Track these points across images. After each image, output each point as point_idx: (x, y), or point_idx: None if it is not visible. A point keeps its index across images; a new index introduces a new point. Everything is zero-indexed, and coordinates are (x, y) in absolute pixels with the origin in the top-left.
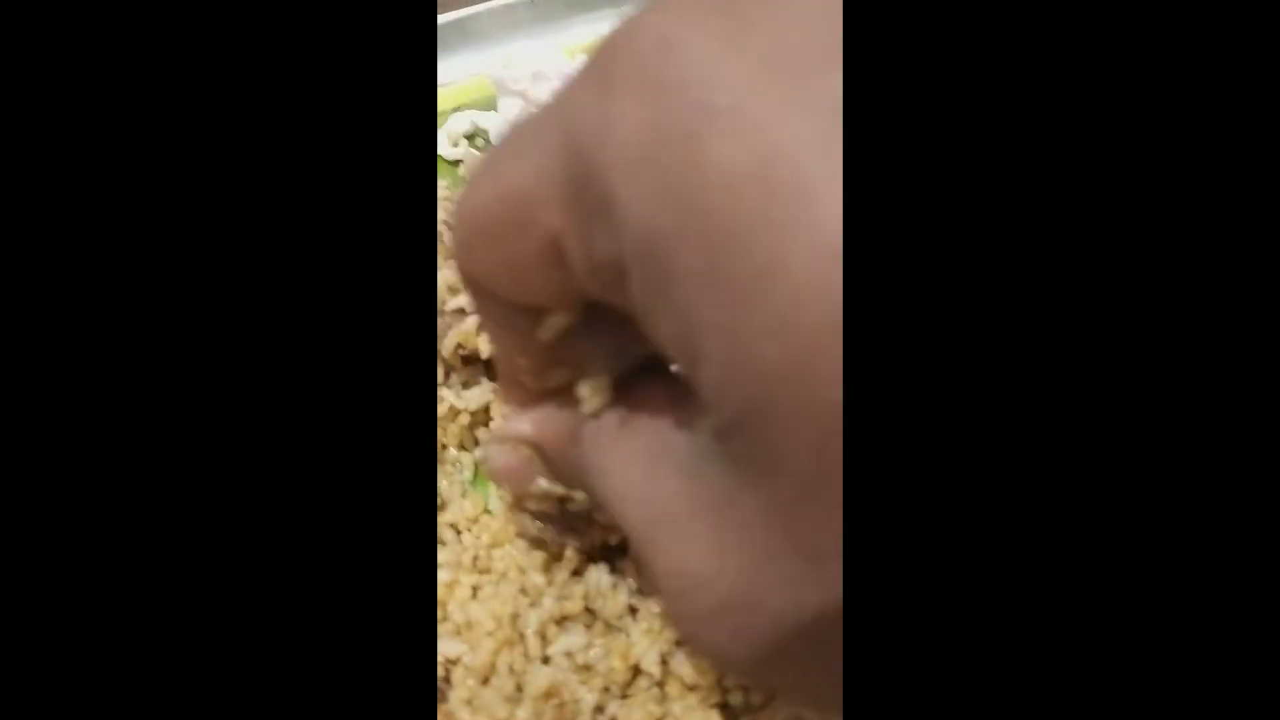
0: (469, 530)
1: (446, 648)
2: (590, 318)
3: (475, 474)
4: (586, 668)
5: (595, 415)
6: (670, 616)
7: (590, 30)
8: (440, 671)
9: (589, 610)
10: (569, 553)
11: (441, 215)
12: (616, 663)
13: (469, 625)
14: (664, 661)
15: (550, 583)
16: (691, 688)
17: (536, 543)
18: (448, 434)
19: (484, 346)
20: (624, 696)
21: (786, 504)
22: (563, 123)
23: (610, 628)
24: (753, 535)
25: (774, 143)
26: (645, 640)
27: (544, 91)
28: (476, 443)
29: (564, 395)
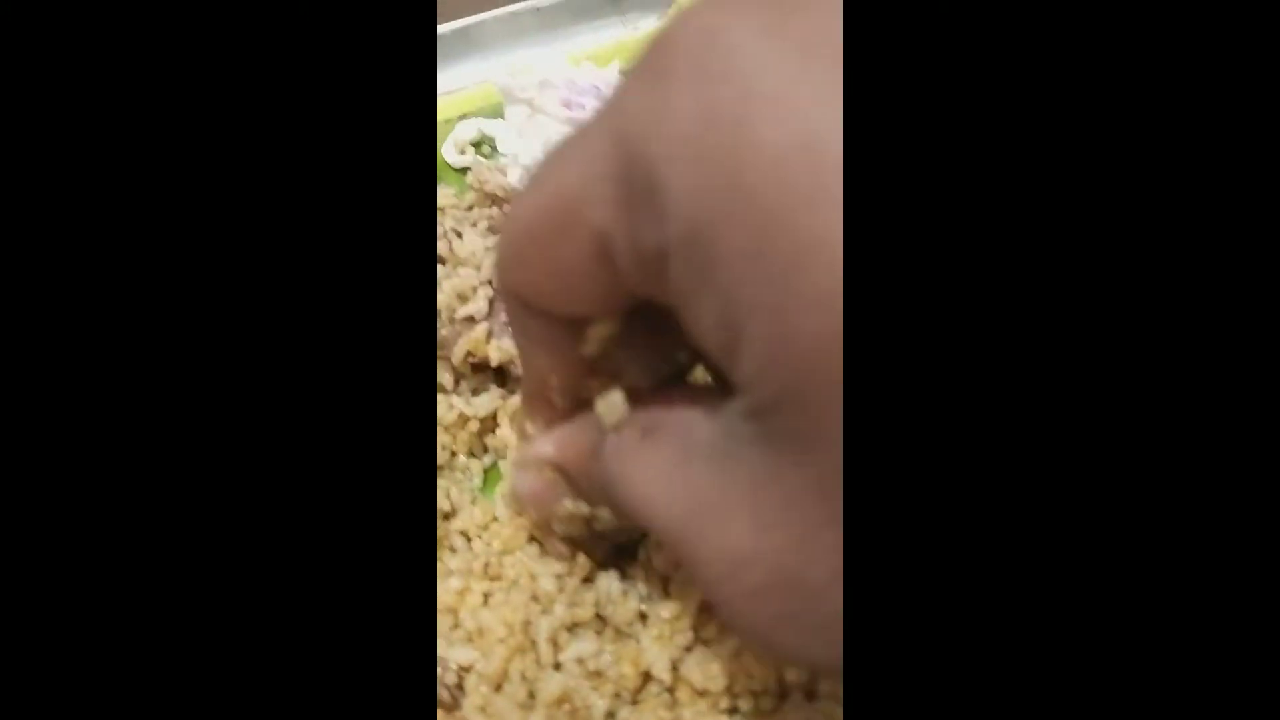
0: (479, 537)
1: (459, 655)
2: (627, 330)
3: (485, 480)
4: (598, 674)
5: (616, 429)
6: (716, 603)
7: (594, 38)
8: (453, 679)
9: (599, 617)
10: (580, 560)
11: (450, 224)
12: (627, 669)
13: (480, 632)
14: (674, 667)
15: (561, 589)
16: (702, 693)
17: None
18: (457, 441)
19: (493, 354)
20: (635, 702)
21: (831, 475)
22: (614, 121)
23: (621, 634)
24: (795, 511)
25: (814, 126)
26: (656, 646)
27: (551, 99)
28: (485, 449)
29: (585, 412)
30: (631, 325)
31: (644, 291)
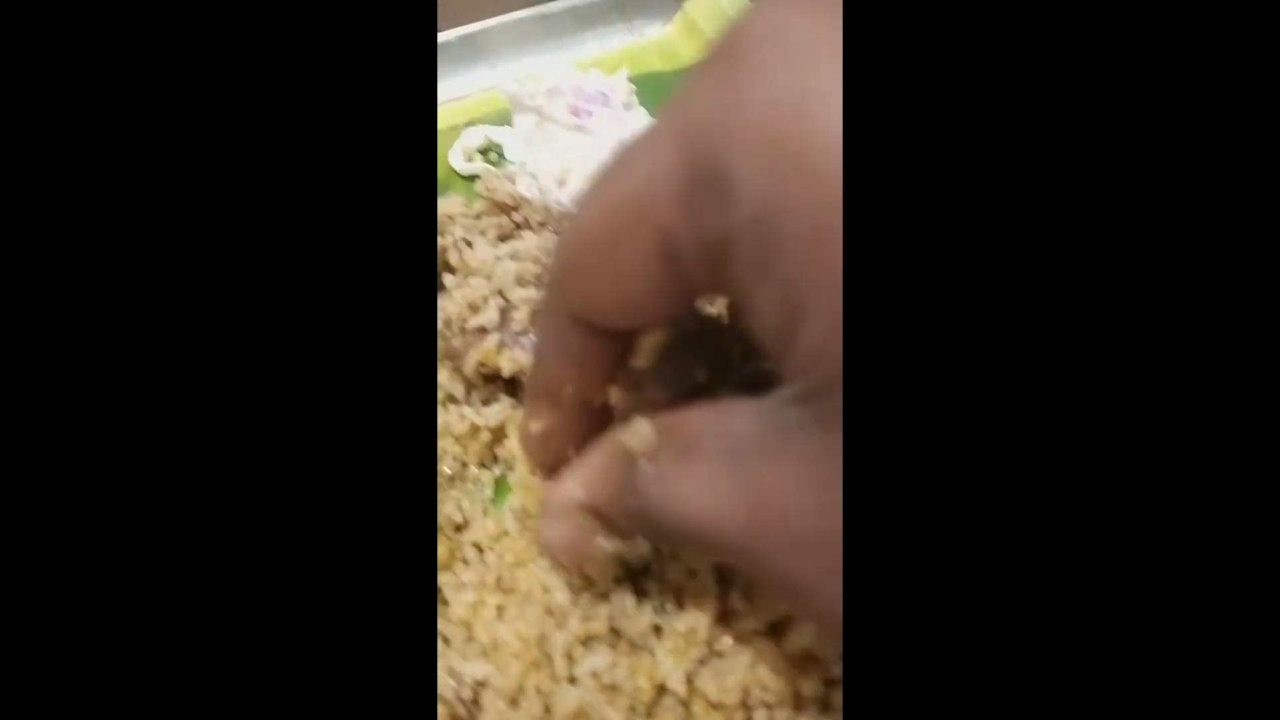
0: (491, 549)
1: (474, 669)
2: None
3: (496, 491)
4: (613, 688)
5: (647, 456)
6: (792, 594)
7: (600, 44)
8: (468, 694)
9: (614, 630)
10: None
11: (459, 232)
12: (643, 682)
13: (495, 646)
14: (689, 681)
15: (575, 603)
16: (717, 706)
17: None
18: (468, 452)
19: (505, 364)
20: (650, 716)
21: None
22: (681, 118)
23: (635, 647)
24: None
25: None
26: (671, 660)
27: (559, 107)
28: (496, 460)
29: (600, 439)
30: (673, 345)
31: (705, 287)
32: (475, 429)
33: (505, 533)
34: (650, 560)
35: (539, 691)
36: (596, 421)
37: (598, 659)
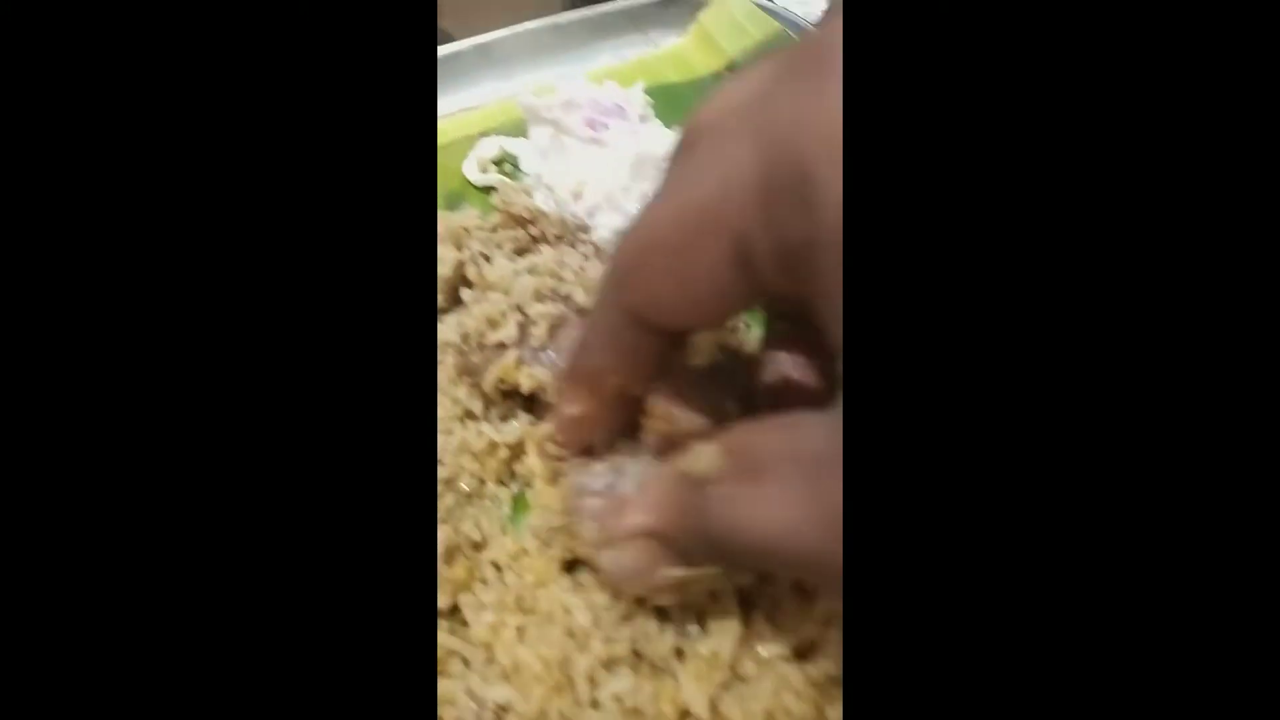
0: (511, 569)
1: (495, 693)
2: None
3: (514, 509)
4: (636, 712)
5: (713, 478)
6: None
7: (614, 55)
8: (490, 718)
9: (636, 653)
10: (615, 594)
11: (477, 246)
12: (666, 707)
13: (517, 669)
14: (713, 706)
15: (597, 624)
16: None
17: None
18: (486, 469)
19: (524, 380)
20: None
21: None
22: (758, 127)
23: (658, 670)
24: None
25: None
26: (694, 684)
27: (575, 120)
28: (514, 476)
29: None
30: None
31: (782, 290)
32: (493, 446)
33: (525, 551)
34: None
35: (561, 716)
36: (629, 412)
37: (620, 682)
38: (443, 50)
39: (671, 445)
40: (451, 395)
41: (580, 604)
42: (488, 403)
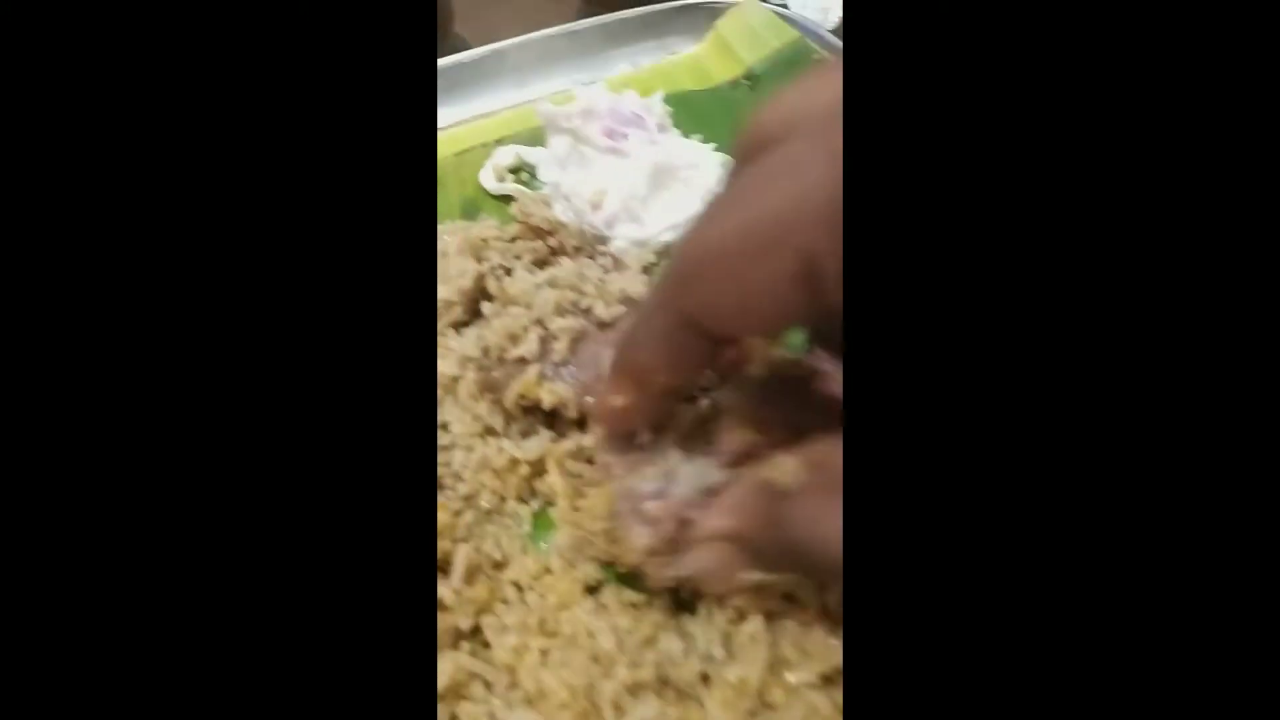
0: (532, 589)
1: (519, 719)
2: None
3: (535, 527)
4: None
5: (794, 489)
6: None
7: (630, 62)
8: None
9: (661, 678)
10: (639, 617)
11: (496, 258)
12: None
13: (541, 694)
14: None
15: (621, 648)
16: None
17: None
18: (507, 486)
19: (545, 397)
20: None
21: None
22: (835, 143)
23: (684, 696)
24: None
25: None
26: (721, 711)
27: (594, 130)
28: (534, 494)
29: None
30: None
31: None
32: (514, 462)
33: (547, 570)
34: (695, 601)
35: None
36: (673, 407)
37: (646, 709)
38: (458, 57)
39: (744, 454)
40: (472, 411)
41: (604, 627)
42: (508, 418)
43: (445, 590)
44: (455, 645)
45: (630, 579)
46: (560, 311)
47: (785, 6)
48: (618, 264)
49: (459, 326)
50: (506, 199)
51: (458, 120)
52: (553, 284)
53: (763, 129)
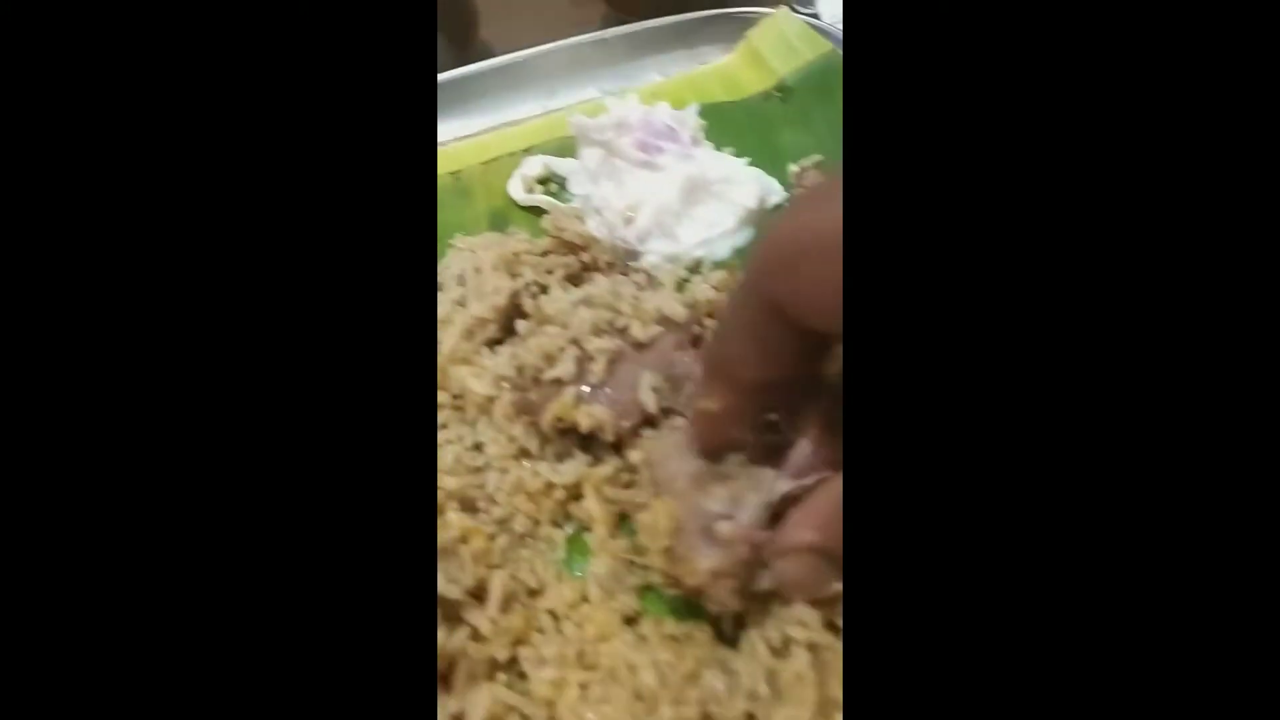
0: (568, 618)
1: None
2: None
3: (568, 552)
4: None
5: None
6: None
7: (660, 72)
8: None
9: (706, 716)
10: (681, 651)
11: (529, 274)
12: None
13: None
14: None
15: (664, 684)
16: None
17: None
18: (541, 510)
19: (583, 419)
20: None
21: None
22: None
23: None
24: None
25: None
26: None
27: (627, 142)
28: (568, 518)
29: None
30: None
31: None
32: (549, 486)
33: (584, 599)
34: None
35: None
36: (763, 409)
37: None
38: (485, 64)
39: (817, 463)
40: (508, 433)
41: (645, 661)
42: (543, 441)
43: (481, 619)
44: (491, 676)
45: (674, 605)
46: (596, 331)
47: (817, 17)
48: (651, 281)
49: (493, 344)
50: (535, 210)
51: (485, 128)
52: (588, 303)
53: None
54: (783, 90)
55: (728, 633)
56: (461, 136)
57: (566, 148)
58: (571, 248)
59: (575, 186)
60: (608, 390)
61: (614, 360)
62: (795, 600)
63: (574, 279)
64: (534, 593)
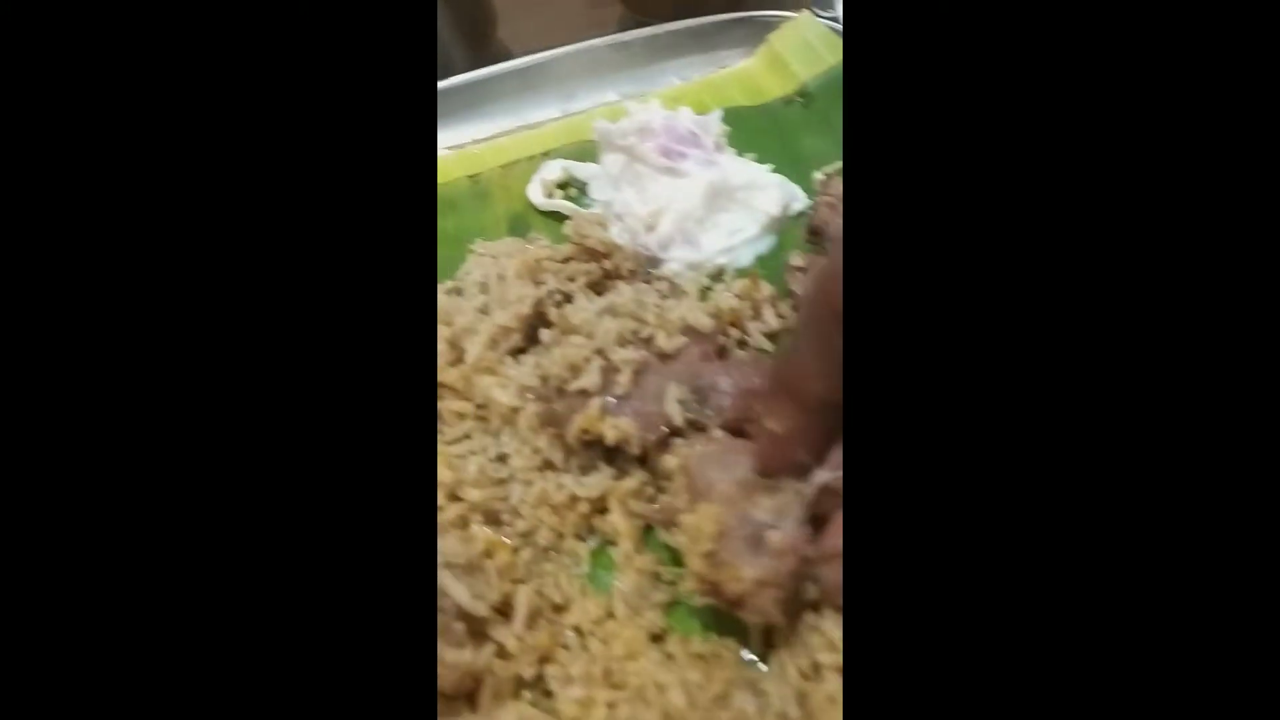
0: (594, 635)
1: None
2: None
3: (593, 566)
4: None
5: None
6: None
7: (679, 75)
8: None
9: None
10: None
11: (552, 282)
12: None
13: None
14: None
15: (693, 705)
16: None
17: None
18: (565, 523)
19: (609, 432)
20: None
21: None
22: None
23: None
24: None
25: None
26: None
27: (650, 148)
28: (592, 531)
29: None
30: None
31: None
32: (573, 499)
33: (609, 615)
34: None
35: None
36: (830, 434)
37: None
38: (502, 66)
39: None
40: (532, 444)
41: (674, 681)
42: (568, 453)
43: (508, 636)
44: (517, 695)
45: (702, 621)
46: (622, 341)
47: (839, 21)
48: (674, 289)
49: (516, 353)
50: (554, 215)
51: (502, 131)
52: (613, 312)
53: None
54: (804, 95)
55: (756, 651)
56: (479, 139)
57: (586, 152)
58: (594, 254)
59: (596, 192)
60: (633, 402)
61: (639, 371)
62: (839, 607)
63: (596, 286)
64: (559, 608)
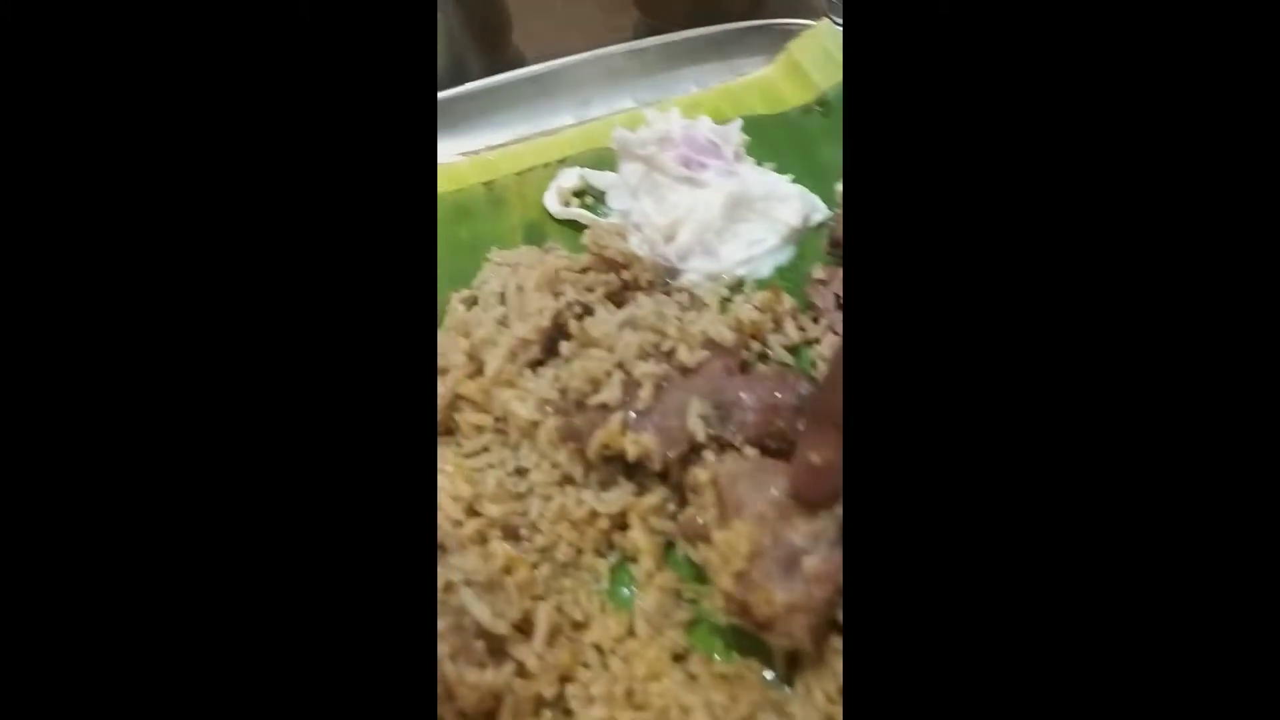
0: (614, 653)
1: None
2: None
3: (612, 582)
4: None
5: None
6: None
7: (696, 82)
8: None
9: None
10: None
11: (570, 294)
12: None
13: None
14: None
15: None
16: None
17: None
18: (584, 538)
19: (630, 447)
20: None
21: None
22: None
23: None
24: None
25: None
26: None
27: (670, 157)
28: (612, 547)
29: None
30: None
31: None
32: (593, 514)
33: (630, 633)
34: (792, 676)
35: None
36: None
37: None
38: (518, 73)
39: None
40: (551, 459)
41: (698, 703)
42: (587, 468)
43: (528, 655)
44: (538, 714)
45: (725, 640)
46: (642, 355)
47: None
48: (694, 301)
49: (535, 366)
50: (571, 224)
51: (518, 137)
52: (633, 324)
53: None
54: (824, 104)
55: (780, 672)
56: (494, 145)
57: (602, 159)
58: (612, 265)
59: (614, 201)
60: (654, 417)
61: (660, 385)
62: None
63: (615, 297)
64: (579, 625)
